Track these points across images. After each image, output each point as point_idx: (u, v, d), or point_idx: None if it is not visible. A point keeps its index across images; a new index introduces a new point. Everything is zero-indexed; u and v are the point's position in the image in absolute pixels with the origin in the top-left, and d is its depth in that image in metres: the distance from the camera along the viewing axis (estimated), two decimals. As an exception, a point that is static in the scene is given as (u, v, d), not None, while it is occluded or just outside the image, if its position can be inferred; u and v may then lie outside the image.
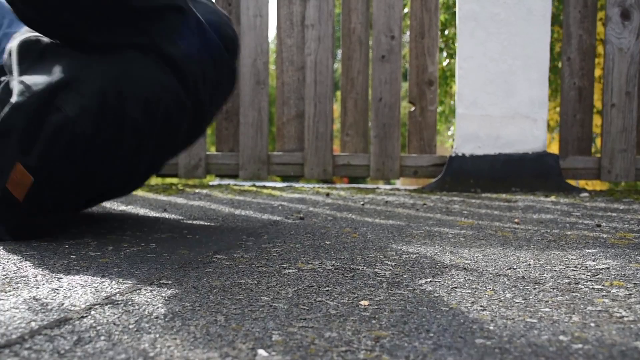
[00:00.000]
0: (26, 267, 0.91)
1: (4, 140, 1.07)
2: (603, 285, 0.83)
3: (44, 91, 1.06)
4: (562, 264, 0.99)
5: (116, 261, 0.96)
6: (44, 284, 0.80)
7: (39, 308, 0.68)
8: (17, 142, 1.06)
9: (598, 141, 4.38)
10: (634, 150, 2.40)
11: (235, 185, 2.47)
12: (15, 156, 1.06)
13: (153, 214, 1.58)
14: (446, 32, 6.44)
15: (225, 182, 2.76)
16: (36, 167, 1.06)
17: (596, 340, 0.60)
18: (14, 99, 1.07)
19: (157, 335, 0.60)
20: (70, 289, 0.77)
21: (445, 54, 6.52)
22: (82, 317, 0.65)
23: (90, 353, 0.55)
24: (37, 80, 1.08)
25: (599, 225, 1.44)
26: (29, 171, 1.05)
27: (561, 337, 0.61)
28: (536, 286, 0.83)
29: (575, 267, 0.96)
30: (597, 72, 3.74)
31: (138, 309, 0.69)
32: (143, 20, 1.14)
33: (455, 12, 2.88)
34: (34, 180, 1.05)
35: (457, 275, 0.90)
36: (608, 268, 0.95)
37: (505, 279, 0.87)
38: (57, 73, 1.09)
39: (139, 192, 2.09)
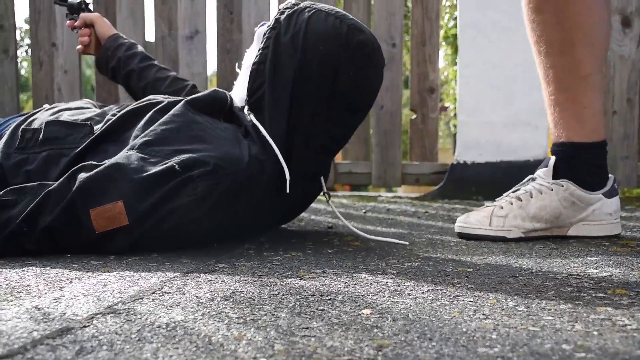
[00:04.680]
0: (28, 276, 0.91)
1: None
2: (606, 294, 0.83)
3: None
4: (564, 272, 0.99)
5: (118, 270, 0.96)
6: (46, 294, 0.80)
7: (41, 318, 0.68)
8: None
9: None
10: (635, 157, 2.40)
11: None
12: None
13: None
14: None
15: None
16: None
17: (599, 349, 0.59)
18: None
19: (159, 345, 0.60)
20: (72, 299, 0.77)
21: None
22: (84, 326, 0.65)
23: (92, 363, 0.55)
24: None
25: (601, 233, 1.44)
26: None
27: (564, 346, 0.60)
28: (539, 294, 0.82)
29: (578, 275, 0.96)
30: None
31: (140, 318, 0.69)
32: None
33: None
34: None
35: (459, 283, 0.89)
36: (611, 276, 0.95)
37: (508, 287, 0.87)
38: None
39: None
